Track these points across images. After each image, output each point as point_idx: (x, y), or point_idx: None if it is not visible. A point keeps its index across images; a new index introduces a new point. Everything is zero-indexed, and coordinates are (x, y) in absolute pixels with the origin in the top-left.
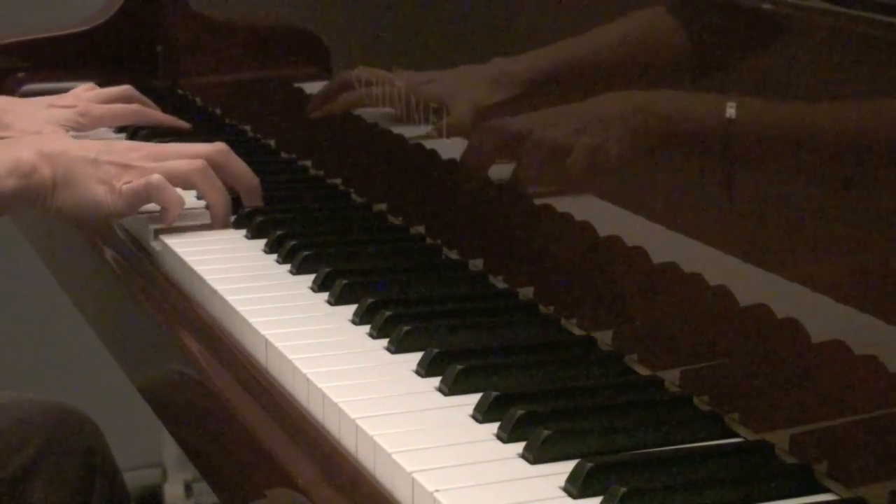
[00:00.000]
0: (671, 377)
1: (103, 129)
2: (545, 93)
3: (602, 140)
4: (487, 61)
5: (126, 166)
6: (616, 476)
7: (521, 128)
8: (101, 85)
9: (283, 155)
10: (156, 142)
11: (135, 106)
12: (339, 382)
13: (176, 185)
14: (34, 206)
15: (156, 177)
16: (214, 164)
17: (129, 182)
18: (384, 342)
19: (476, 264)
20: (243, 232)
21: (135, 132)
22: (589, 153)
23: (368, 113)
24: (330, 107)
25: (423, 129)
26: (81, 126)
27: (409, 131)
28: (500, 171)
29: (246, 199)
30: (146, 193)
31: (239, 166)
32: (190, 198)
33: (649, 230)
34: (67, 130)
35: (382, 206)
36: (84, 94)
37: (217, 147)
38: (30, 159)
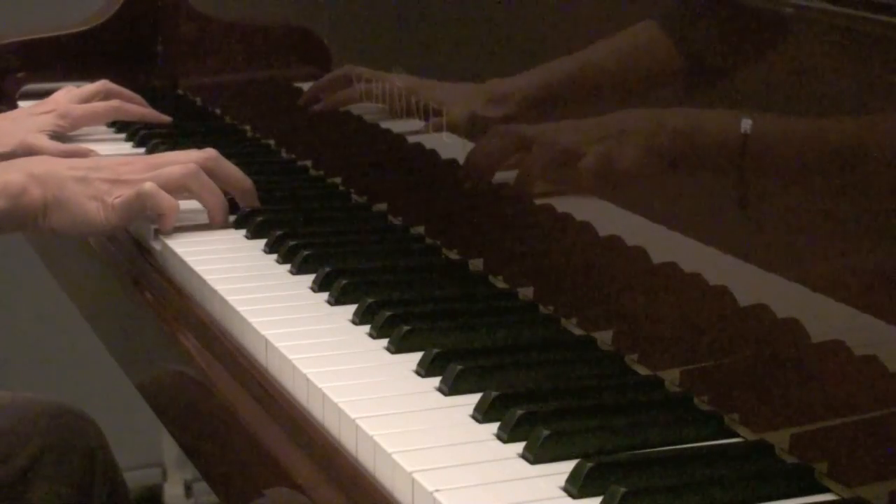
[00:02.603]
0: (671, 377)
1: (104, 131)
2: (554, 100)
3: (612, 147)
4: (486, 61)
5: (116, 181)
6: (616, 476)
7: (531, 132)
8: None
9: (283, 155)
10: (154, 143)
11: (114, 102)
12: (339, 382)
13: (170, 192)
14: (25, 227)
15: (147, 185)
16: (206, 170)
17: (120, 196)
18: (384, 342)
19: (476, 264)
20: (243, 232)
21: (135, 132)
22: (602, 159)
23: (368, 113)
24: (325, 102)
25: (420, 126)
26: (63, 129)
27: (406, 127)
28: (501, 171)
29: (241, 201)
30: (139, 203)
31: (231, 170)
32: (191, 201)
33: (649, 230)
34: (50, 135)
35: (382, 206)
36: (63, 97)
37: (207, 154)
38: (19, 181)
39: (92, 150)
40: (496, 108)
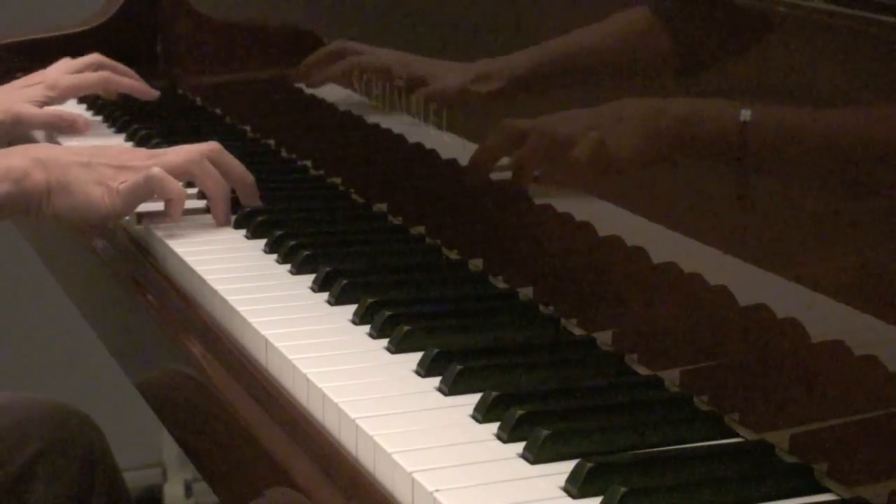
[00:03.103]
0: (671, 377)
1: (104, 130)
2: (551, 92)
3: (608, 137)
4: (480, 46)
5: (121, 167)
6: (616, 476)
7: (531, 126)
8: None
9: (283, 155)
10: (154, 143)
11: (104, 73)
12: (339, 382)
13: (175, 178)
14: (28, 211)
15: (155, 169)
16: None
17: (126, 181)
18: (384, 342)
19: (476, 264)
20: (243, 232)
21: (134, 132)
22: (594, 147)
23: (368, 112)
24: (319, 76)
25: (420, 126)
26: (51, 99)
27: (406, 127)
28: (500, 171)
29: (242, 196)
30: (147, 188)
31: (233, 164)
32: (191, 199)
33: (649, 230)
34: (39, 105)
35: (382, 206)
36: (53, 69)
37: (210, 146)
38: (21, 165)
39: (81, 115)
40: (485, 87)
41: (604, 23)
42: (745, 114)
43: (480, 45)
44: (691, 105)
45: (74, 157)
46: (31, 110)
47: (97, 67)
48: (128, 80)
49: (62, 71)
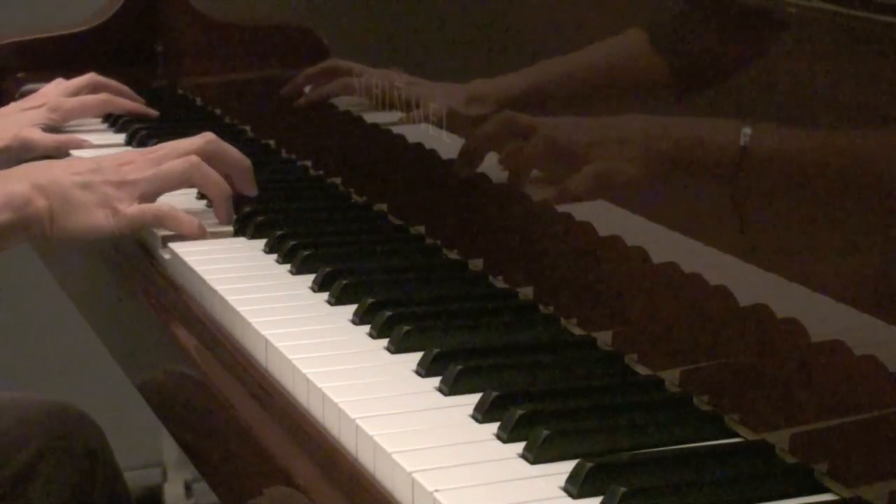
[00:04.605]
0: (671, 377)
1: (105, 132)
2: (538, 104)
3: (609, 158)
4: (485, 59)
5: (121, 183)
6: (616, 476)
7: (529, 122)
8: None
9: (283, 155)
10: (153, 143)
11: (104, 95)
12: (339, 382)
13: (176, 187)
14: (31, 237)
15: (165, 206)
16: (206, 155)
17: (130, 201)
18: (384, 342)
19: (476, 264)
20: (243, 232)
21: (134, 132)
22: (594, 177)
23: (368, 113)
24: (315, 92)
25: (420, 125)
26: (54, 121)
27: (406, 127)
28: (500, 171)
29: (239, 182)
30: (156, 222)
31: (229, 152)
32: (190, 199)
33: (649, 230)
34: (42, 128)
35: (382, 206)
36: (52, 91)
37: (205, 138)
38: (23, 192)
39: (86, 140)
40: (479, 109)
41: (603, 45)
42: (745, 125)
43: (475, 64)
44: (691, 119)
45: (74, 178)
46: (40, 135)
47: (94, 88)
48: (128, 103)
49: (60, 92)
